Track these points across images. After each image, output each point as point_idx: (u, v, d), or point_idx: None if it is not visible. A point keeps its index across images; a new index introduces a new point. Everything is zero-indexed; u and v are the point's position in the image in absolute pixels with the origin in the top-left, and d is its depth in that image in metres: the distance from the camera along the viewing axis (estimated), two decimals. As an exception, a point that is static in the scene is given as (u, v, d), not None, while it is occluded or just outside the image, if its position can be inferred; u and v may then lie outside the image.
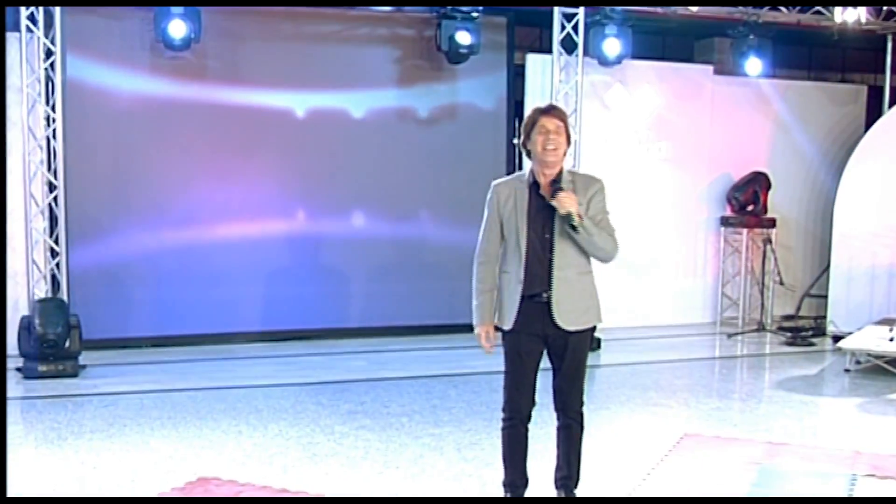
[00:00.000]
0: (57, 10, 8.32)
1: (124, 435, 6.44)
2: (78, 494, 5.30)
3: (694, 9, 9.94)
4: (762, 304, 10.67)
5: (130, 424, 6.69)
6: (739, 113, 11.19)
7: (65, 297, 8.48)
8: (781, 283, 11.05)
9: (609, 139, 10.67)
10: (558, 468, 4.85)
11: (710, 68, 11.15)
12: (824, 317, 10.81)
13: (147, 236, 9.30)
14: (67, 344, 8.23)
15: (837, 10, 10.48)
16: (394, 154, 10.16)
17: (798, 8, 10.54)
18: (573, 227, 4.45)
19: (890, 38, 11.32)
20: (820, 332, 10.52)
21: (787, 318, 11.40)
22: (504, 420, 4.79)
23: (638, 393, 7.82)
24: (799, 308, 11.63)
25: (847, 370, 8.67)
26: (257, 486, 5.46)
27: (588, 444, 4.91)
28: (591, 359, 8.66)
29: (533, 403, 4.74)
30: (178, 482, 5.47)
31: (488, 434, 6.33)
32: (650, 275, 10.97)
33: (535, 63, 10.37)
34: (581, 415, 4.77)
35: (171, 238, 9.38)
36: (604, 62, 10.16)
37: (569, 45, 9.90)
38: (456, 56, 9.68)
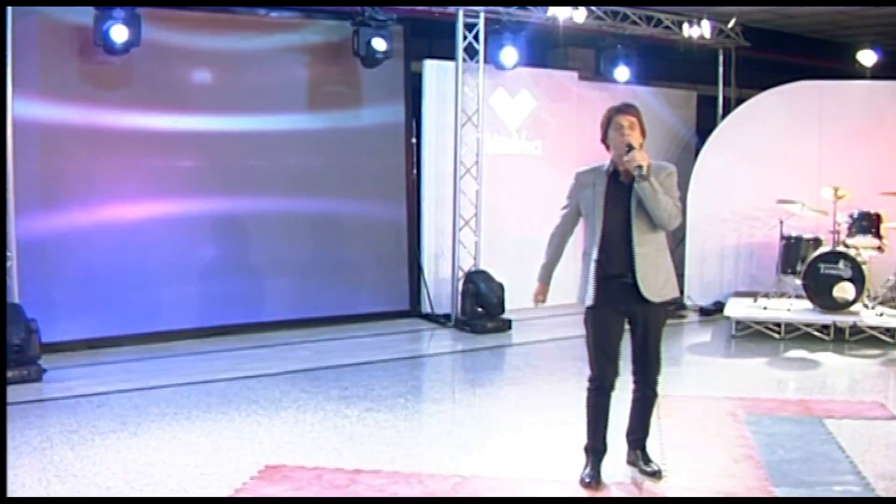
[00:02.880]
0: None
1: (151, 431, 6.57)
2: (153, 485, 5.47)
3: (581, 18, 11.05)
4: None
5: (145, 422, 6.77)
6: (601, 114, 12.41)
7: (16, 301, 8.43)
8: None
9: (493, 137, 11.63)
10: (632, 431, 5.60)
11: (576, 74, 12.36)
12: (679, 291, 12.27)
13: (80, 243, 9.31)
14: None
15: (685, 26, 12.00)
16: (305, 155, 10.64)
17: (653, 22, 11.94)
18: (643, 178, 5.07)
19: (721, 52, 13.00)
20: (680, 305, 11.95)
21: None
22: (590, 388, 5.40)
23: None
24: (651, 286, 13.06)
25: (733, 336, 10.14)
26: (329, 468, 5.74)
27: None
28: (502, 338, 9.75)
29: (617, 372, 5.38)
30: (245, 475, 5.64)
31: (491, 406, 7.19)
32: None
33: (431, 69, 11.17)
34: (657, 383, 5.49)
35: (102, 243, 9.44)
36: (499, 68, 11.12)
37: (469, 53, 10.83)
38: (372, 61, 10.30)
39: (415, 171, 11.35)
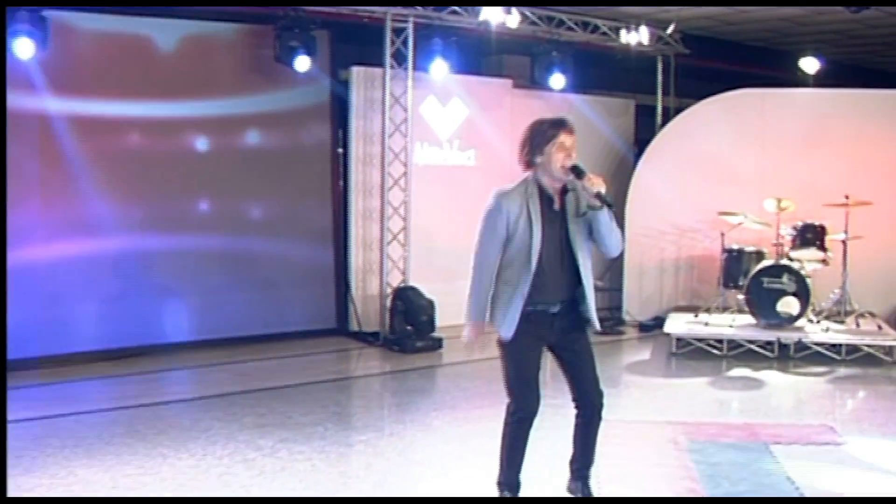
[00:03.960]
0: None
1: (46, 467, 6.02)
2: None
3: (514, 23, 10.59)
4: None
5: (41, 456, 6.21)
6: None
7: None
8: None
9: (424, 147, 11.12)
10: (575, 458, 5.09)
11: (510, 82, 11.90)
12: (617, 308, 11.91)
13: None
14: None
15: (623, 32, 11.61)
16: (221, 164, 10.05)
17: (590, 28, 11.53)
18: (604, 204, 4.62)
19: (659, 59, 12.64)
20: (618, 321, 11.56)
21: (580, 310, 12.35)
22: (512, 419, 4.93)
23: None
24: (589, 301, 12.62)
25: (673, 353, 9.69)
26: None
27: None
28: (432, 358, 9.25)
29: (539, 399, 4.90)
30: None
31: (416, 435, 6.65)
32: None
33: (359, 76, 10.62)
34: (602, 406, 4.99)
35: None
36: (429, 75, 10.61)
37: (397, 59, 10.32)
38: (293, 67, 9.74)
39: (341, 183, 10.79)
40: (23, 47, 8.05)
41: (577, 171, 4.71)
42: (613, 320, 11.60)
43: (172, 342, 9.69)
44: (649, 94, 12.91)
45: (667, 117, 12.46)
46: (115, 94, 9.26)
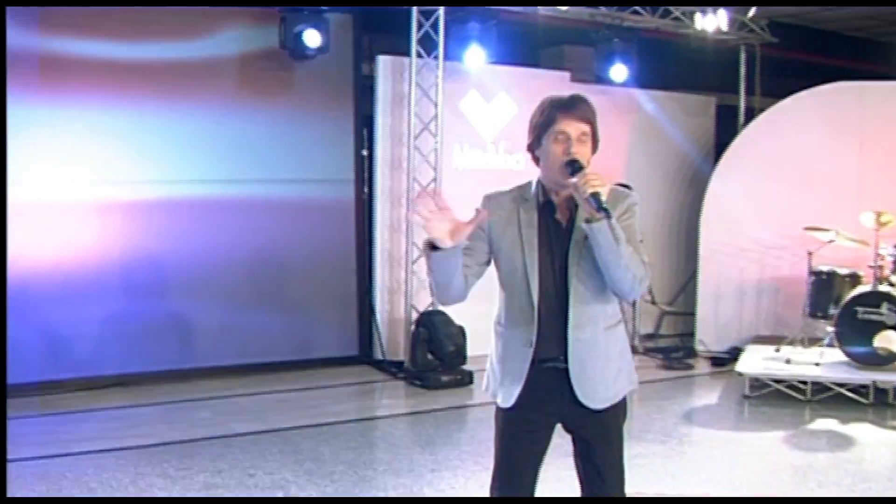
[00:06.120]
0: None
1: None
2: None
3: (564, 8, 9.15)
4: (633, 326, 9.97)
5: None
6: (598, 122, 10.51)
7: None
8: (653, 303, 10.44)
9: (464, 149, 9.74)
10: None
11: (567, 75, 10.40)
12: (688, 334, 10.33)
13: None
14: None
15: (697, 16, 10.03)
16: (228, 169, 8.81)
17: (659, 12, 9.98)
18: (602, 214, 3.14)
19: (742, 50, 10.99)
20: (690, 352, 9.96)
21: (648, 337, 10.79)
22: None
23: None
24: (658, 326, 11.07)
25: (746, 396, 8.04)
26: None
27: None
28: (460, 396, 7.88)
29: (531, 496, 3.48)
30: None
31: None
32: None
33: (386, 66, 9.28)
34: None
35: None
36: (462, 65, 9.22)
37: (426, 47, 8.95)
38: (302, 56, 8.48)
39: (366, 190, 9.47)
40: None
41: (572, 167, 3.25)
42: (684, 351, 10.00)
43: (175, 369, 8.53)
44: (730, 92, 11.25)
45: (750, 118, 10.75)
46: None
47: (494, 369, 3.51)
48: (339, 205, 9.38)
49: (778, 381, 7.98)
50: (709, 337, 10.02)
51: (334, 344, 9.37)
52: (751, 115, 10.83)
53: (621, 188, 3.46)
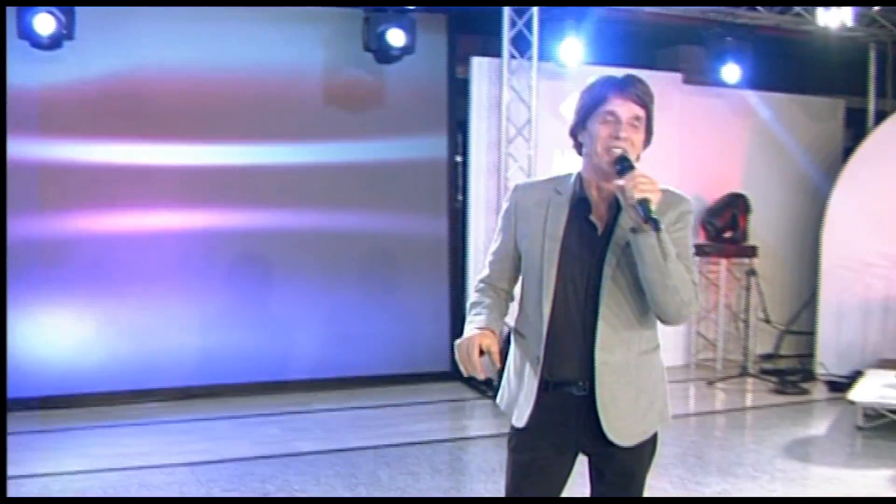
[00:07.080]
0: None
1: None
2: None
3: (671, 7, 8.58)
4: (745, 346, 9.25)
5: None
6: (711, 127, 9.86)
7: None
8: (768, 321, 9.68)
9: (565, 153, 9.25)
10: None
11: (679, 76, 9.79)
12: (808, 356, 9.54)
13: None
14: None
15: (820, 10, 9.25)
16: (313, 180, 8.62)
17: (778, 9, 9.26)
18: (649, 225, 2.73)
19: (872, 47, 10.12)
20: (808, 374, 9.19)
21: (765, 357, 10.05)
22: None
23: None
24: (778, 347, 10.29)
25: (860, 427, 7.28)
26: None
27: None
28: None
29: None
30: None
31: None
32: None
33: (481, 68, 8.89)
34: None
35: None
36: (559, 66, 8.74)
37: (520, 47, 8.52)
38: (386, 57, 8.18)
39: (459, 198, 9.10)
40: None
41: (621, 165, 2.81)
42: (802, 374, 9.23)
43: (250, 382, 8.37)
44: (857, 94, 10.37)
45: (880, 122, 9.86)
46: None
47: (510, 381, 3.10)
48: (432, 212, 9.04)
49: (894, 412, 7.18)
50: (830, 359, 9.23)
51: (424, 358, 9.01)
52: (881, 118, 9.94)
53: (674, 192, 2.96)
